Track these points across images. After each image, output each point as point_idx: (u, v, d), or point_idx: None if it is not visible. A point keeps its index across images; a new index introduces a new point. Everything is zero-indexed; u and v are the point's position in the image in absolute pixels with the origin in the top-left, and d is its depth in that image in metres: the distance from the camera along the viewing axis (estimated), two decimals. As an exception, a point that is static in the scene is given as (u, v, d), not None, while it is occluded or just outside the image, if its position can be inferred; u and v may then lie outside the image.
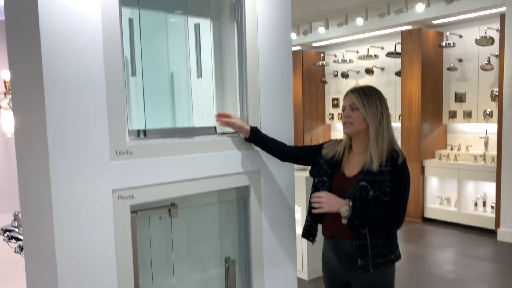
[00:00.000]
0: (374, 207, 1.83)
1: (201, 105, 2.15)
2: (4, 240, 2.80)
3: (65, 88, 1.56)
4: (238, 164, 2.06)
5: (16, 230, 2.87)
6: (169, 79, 2.05)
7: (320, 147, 2.09)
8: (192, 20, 2.09)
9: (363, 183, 1.84)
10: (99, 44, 1.63)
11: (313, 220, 2.04)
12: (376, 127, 1.87)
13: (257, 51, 2.09)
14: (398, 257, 1.94)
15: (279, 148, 2.10)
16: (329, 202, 1.86)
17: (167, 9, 2.04)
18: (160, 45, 2.05)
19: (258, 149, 2.12)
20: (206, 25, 2.15)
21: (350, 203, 1.83)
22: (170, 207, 1.90)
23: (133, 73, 1.83)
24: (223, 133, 2.09)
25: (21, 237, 2.77)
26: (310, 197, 1.98)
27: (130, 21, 1.80)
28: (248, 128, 2.04)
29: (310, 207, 1.99)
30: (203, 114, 2.15)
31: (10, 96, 2.50)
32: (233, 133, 2.10)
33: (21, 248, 2.66)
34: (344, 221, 1.85)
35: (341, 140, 2.05)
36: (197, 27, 2.05)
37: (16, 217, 2.97)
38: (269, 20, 2.13)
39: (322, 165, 2.01)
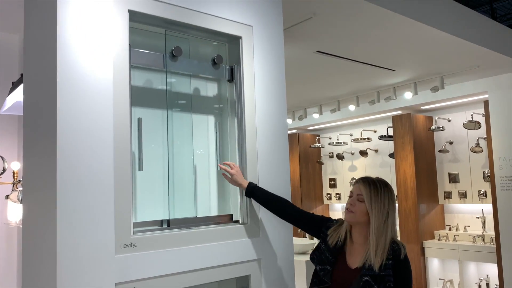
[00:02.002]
0: None
1: (204, 195, 2.24)
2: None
3: (76, 182, 1.66)
4: (238, 253, 2.10)
5: (12, 323, 2.81)
6: (170, 171, 2.17)
7: (321, 222, 2.07)
8: (196, 117, 2.26)
9: (366, 278, 1.82)
10: (110, 142, 1.76)
11: None
12: (378, 225, 1.86)
13: (256, 142, 2.23)
14: None
15: (281, 205, 2.12)
16: None
17: (172, 107, 2.21)
18: (163, 140, 2.19)
19: (259, 237, 2.18)
20: (210, 120, 2.32)
21: None
22: (172, 299, 1.92)
23: (140, 168, 1.95)
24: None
25: (16, 330, 2.71)
26: (311, 284, 1.99)
27: (139, 120, 1.95)
28: (245, 184, 2.11)
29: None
30: (205, 204, 2.24)
31: (18, 189, 2.60)
32: (233, 221, 2.17)
33: None
34: None
35: (342, 223, 2.02)
36: (217, 125, 2.25)
37: (12, 309, 2.93)
38: (266, 113, 2.30)
39: (324, 252, 1.98)
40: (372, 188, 1.90)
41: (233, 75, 2.24)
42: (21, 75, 2.55)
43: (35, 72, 1.87)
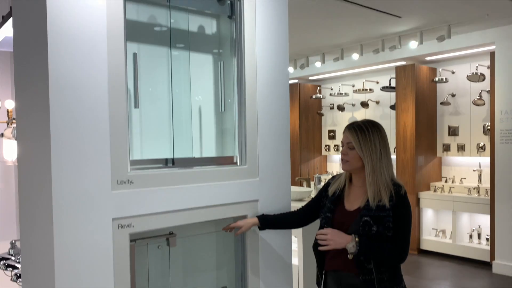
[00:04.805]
0: (379, 241, 1.84)
1: (201, 135, 2.21)
2: (0, 268, 2.80)
3: (70, 119, 1.62)
4: (236, 194, 2.10)
5: (13, 258, 2.86)
6: (169, 110, 2.12)
7: (323, 190, 2.11)
8: (193, 55, 2.18)
9: (366, 219, 1.85)
10: (104, 78, 1.70)
11: (318, 254, 2.02)
12: (373, 167, 1.88)
13: (256, 84, 2.17)
14: None
15: (292, 220, 2.16)
16: (335, 239, 1.85)
17: (170, 44, 2.13)
18: (162, 78, 2.12)
19: (257, 179, 2.17)
20: (208, 59, 2.24)
21: (357, 239, 1.82)
22: (169, 236, 1.93)
23: (136, 105, 1.90)
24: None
25: (18, 265, 2.76)
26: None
27: (135, 55, 1.88)
28: (256, 221, 2.10)
29: (314, 242, 2.00)
30: (203, 145, 2.21)
31: (13, 125, 2.56)
32: (233, 163, 2.16)
33: (18, 277, 2.65)
34: (350, 256, 1.85)
35: (342, 173, 2.07)
36: (221, 65, 2.19)
37: (13, 245, 2.97)
38: (267, 55, 2.22)
39: (326, 204, 2.03)
40: (359, 132, 1.90)
41: (233, 11, 2.14)
42: (11, 8, 2.44)
43: (24, 4, 1.78)
